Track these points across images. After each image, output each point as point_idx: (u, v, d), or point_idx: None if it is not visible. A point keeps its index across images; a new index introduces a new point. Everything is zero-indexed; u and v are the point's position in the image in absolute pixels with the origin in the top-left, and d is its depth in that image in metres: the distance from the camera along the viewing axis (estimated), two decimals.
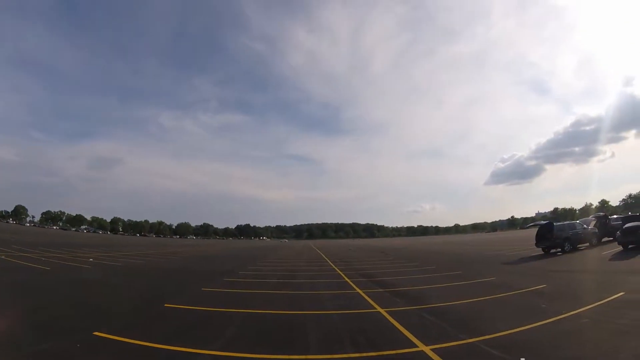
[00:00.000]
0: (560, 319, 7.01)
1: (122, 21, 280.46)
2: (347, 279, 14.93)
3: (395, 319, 7.44)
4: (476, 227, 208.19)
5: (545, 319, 6.95)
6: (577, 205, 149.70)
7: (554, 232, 22.40)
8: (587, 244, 23.46)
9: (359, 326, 7.22)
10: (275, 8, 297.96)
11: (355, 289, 12.07)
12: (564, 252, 21.72)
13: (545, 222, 25.26)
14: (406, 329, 6.66)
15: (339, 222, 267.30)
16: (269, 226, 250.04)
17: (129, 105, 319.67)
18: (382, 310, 8.41)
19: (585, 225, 24.51)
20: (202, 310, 9.05)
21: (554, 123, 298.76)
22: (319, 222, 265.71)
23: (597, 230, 24.53)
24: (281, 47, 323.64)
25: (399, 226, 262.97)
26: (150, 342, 6.07)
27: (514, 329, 6.40)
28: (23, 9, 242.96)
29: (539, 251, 23.31)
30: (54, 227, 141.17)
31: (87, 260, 23.94)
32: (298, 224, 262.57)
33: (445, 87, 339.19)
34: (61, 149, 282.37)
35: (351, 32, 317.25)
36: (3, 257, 22.32)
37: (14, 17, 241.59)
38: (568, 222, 26.43)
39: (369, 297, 10.40)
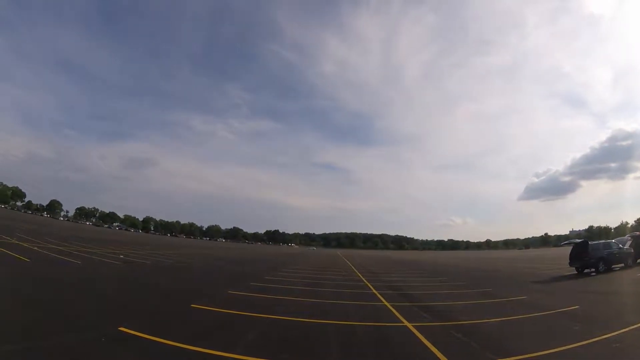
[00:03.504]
0: (593, 342, 6.88)
1: (157, 27, 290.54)
2: (374, 291, 14.98)
3: (422, 334, 7.46)
4: (508, 244, 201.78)
5: (577, 342, 6.82)
6: (613, 223, 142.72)
7: (589, 251, 21.61)
8: (622, 265, 22.55)
9: (384, 339, 7.33)
10: (307, 17, 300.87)
11: (382, 301, 12.11)
12: (598, 272, 20.97)
13: (580, 240, 24.41)
14: (433, 345, 6.67)
15: (368, 232, 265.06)
16: (298, 233, 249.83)
17: (162, 108, 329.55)
18: (408, 325, 8.44)
19: (620, 245, 23.57)
20: (226, 312, 9.28)
21: (589, 137, 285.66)
22: (348, 231, 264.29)
23: (632, 251, 23.56)
24: (312, 56, 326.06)
25: (429, 239, 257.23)
26: (173, 341, 6.30)
27: (543, 350, 6.31)
28: (61, 13, 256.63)
29: (573, 271, 22.50)
30: (87, 223, 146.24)
31: (116, 256, 24.81)
32: (327, 232, 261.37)
33: (478, 99, 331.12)
34: (96, 148, 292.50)
35: (382, 42, 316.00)
36: (36, 248, 23.29)
37: (52, 21, 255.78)
38: (603, 241, 25.39)
39: (396, 310, 10.43)
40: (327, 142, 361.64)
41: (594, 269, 21.38)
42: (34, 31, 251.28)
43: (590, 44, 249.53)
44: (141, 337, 6.54)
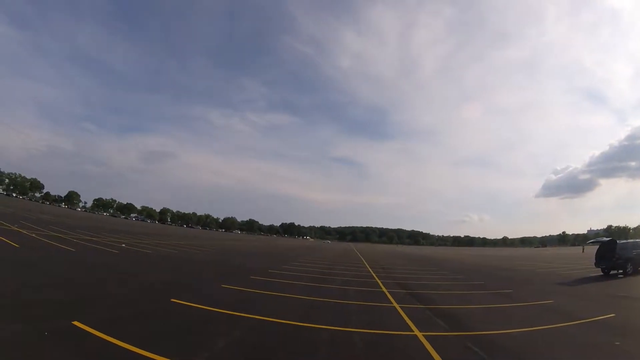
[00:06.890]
0: None
1: (175, 22, 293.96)
2: (383, 289, 13.75)
3: (434, 349, 6.15)
4: (525, 241, 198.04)
5: None
6: (632, 223, 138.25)
7: (617, 251, 19.99)
8: None
9: (387, 352, 6.07)
10: (323, 11, 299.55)
11: (391, 303, 10.84)
12: (625, 274, 19.42)
13: (607, 239, 22.73)
14: None
15: (384, 226, 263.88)
16: (313, 226, 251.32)
17: (181, 102, 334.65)
18: (419, 334, 7.13)
19: None
20: (206, 310, 8.22)
21: (608, 134, 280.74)
22: (363, 225, 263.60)
23: None
24: (329, 50, 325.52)
25: (445, 235, 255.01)
26: (124, 342, 5.36)
27: None
28: (80, 10, 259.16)
29: (597, 271, 20.96)
30: (104, 214, 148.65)
31: (118, 245, 24.08)
32: (342, 225, 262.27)
33: (496, 93, 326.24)
34: (115, 142, 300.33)
35: (399, 35, 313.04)
36: (33, 235, 22.87)
37: (71, 17, 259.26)
38: (632, 240, 23.64)
39: (405, 314, 9.14)
40: (343, 136, 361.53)
41: (621, 271, 19.83)
42: (53, 27, 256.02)
43: (611, 38, 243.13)
44: (91, 333, 5.63)
